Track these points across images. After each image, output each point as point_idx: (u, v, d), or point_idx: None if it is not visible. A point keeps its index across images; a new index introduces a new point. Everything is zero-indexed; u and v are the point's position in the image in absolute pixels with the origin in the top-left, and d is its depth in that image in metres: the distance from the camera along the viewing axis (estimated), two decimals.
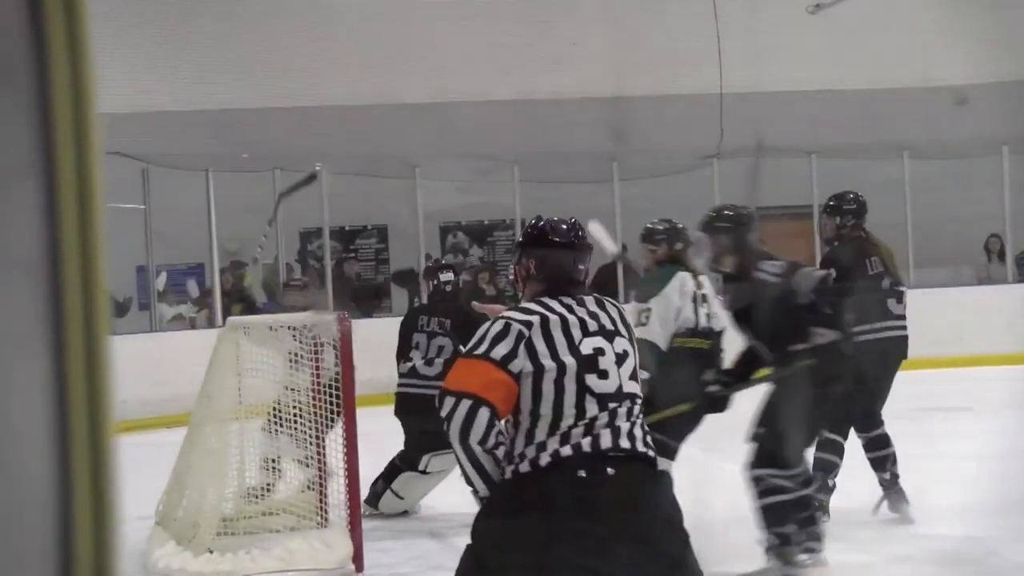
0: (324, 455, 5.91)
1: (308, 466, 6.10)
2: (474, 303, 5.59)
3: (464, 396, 3.10)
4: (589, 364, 3.17)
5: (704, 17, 16.20)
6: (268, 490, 6.25)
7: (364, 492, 6.23)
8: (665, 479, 3.31)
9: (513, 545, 3.03)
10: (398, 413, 7.16)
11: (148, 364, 10.73)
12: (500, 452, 3.11)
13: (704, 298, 5.67)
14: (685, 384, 5.37)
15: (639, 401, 3.25)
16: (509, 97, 16.07)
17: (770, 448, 5.12)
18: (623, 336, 3.29)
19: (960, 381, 11.79)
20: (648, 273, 6.70)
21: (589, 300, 3.34)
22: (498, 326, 3.20)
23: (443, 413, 3.11)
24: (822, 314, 5.20)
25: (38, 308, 0.79)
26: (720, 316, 5.62)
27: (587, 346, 3.20)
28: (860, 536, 5.97)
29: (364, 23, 15.95)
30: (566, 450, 3.08)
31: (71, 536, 0.79)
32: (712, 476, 5.66)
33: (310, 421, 6.01)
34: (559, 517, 3.00)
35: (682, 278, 5.80)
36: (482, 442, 3.07)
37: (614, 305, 3.38)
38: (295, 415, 6.03)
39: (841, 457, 6.18)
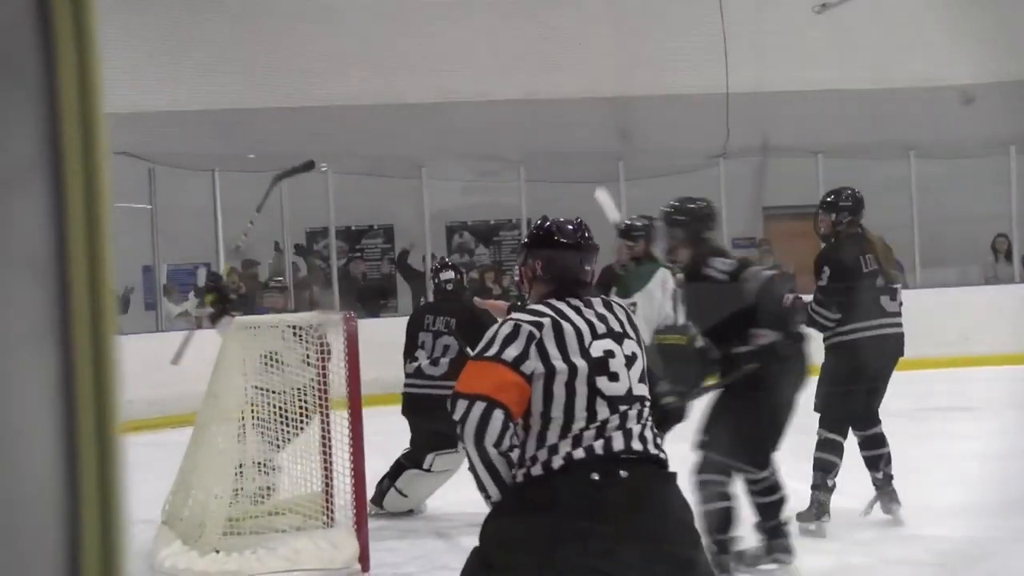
0: (330, 454, 5.92)
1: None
2: (476, 299, 5.60)
3: (477, 398, 3.06)
4: (600, 367, 3.15)
5: (710, 17, 16.20)
6: (264, 493, 6.22)
7: (370, 492, 6.24)
8: (676, 481, 3.30)
9: (522, 546, 3.01)
10: (405, 412, 7.17)
11: (154, 363, 10.74)
12: (514, 455, 3.09)
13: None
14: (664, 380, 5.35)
15: (648, 403, 3.23)
16: (515, 97, 16.08)
17: (714, 455, 5.09)
18: (631, 338, 3.27)
19: (966, 381, 11.77)
20: (626, 269, 6.70)
21: (596, 302, 3.32)
22: (507, 328, 3.18)
23: (456, 416, 3.08)
24: (765, 315, 5.14)
25: (45, 307, 0.79)
26: None
27: (597, 349, 3.18)
28: (860, 537, 5.96)
29: (370, 24, 15.97)
30: (578, 453, 3.06)
31: (78, 535, 0.79)
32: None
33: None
34: (571, 519, 2.98)
35: (663, 274, 5.82)
36: (497, 444, 3.04)
37: (621, 307, 3.36)
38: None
39: (840, 457, 6.14)
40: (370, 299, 15.31)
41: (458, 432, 3.10)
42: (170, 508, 6.18)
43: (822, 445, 6.13)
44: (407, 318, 7.62)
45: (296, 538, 5.82)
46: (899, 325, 6.31)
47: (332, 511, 5.95)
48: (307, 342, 6.00)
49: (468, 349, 6.59)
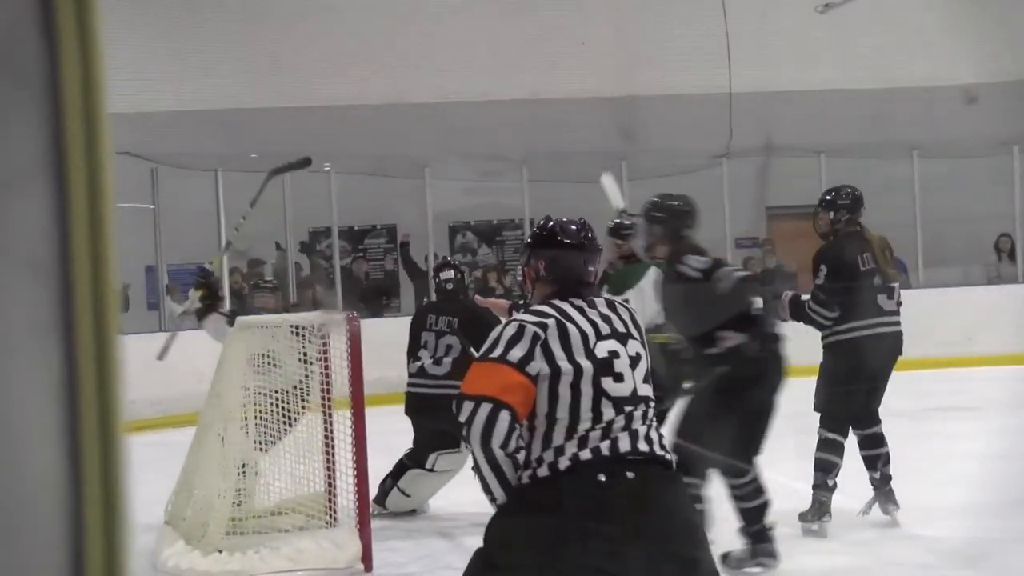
0: (333, 454, 5.92)
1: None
2: (476, 297, 5.60)
3: (483, 400, 3.05)
4: (604, 368, 3.14)
5: (713, 17, 16.19)
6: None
7: (373, 492, 6.24)
8: (682, 482, 3.29)
9: (526, 546, 3.00)
10: (408, 412, 7.17)
11: (157, 363, 10.74)
12: (521, 456, 3.08)
13: None
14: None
15: (652, 404, 3.22)
16: (518, 97, 16.08)
17: (686, 458, 5.06)
18: (635, 338, 3.26)
19: (969, 381, 11.76)
20: (614, 267, 6.70)
21: (600, 302, 3.31)
22: (511, 329, 3.16)
23: (462, 418, 3.06)
24: (733, 316, 5.11)
25: (48, 307, 0.79)
26: None
27: (602, 349, 3.16)
28: (860, 537, 5.95)
29: (373, 24, 15.98)
30: (585, 454, 3.05)
31: (82, 535, 0.79)
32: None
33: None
34: (577, 519, 2.97)
35: (656, 273, 5.83)
36: (504, 445, 3.02)
37: (625, 307, 3.35)
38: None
39: (841, 457, 6.11)
40: (373, 299, 15.31)
41: (464, 434, 3.08)
42: (173, 508, 6.18)
43: (822, 445, 6.11)
44: (409, 318, 7.63)
45: (299, 538, 5.82)
46: (897, 324, 6.27)
47: (335, 511, 5.95)
48: (307, 342, 6.00)
49: (471, 349, 6.62)
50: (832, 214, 6.36)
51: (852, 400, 6.12)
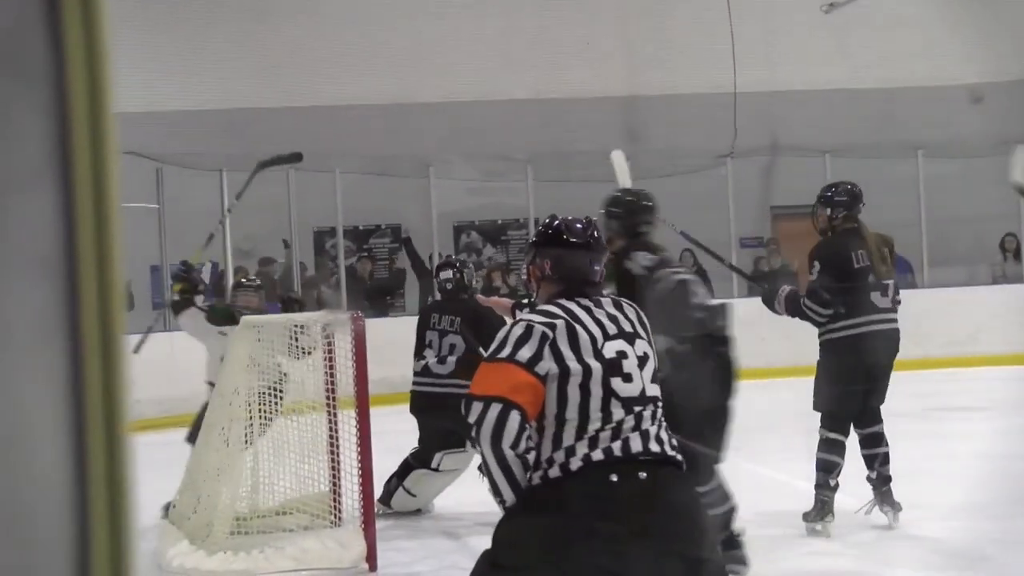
0: (338, 453, 5.92)
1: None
2: (478, 295, 5.59)
3: (493, 400, 3.02)
4: (613, 368, 3.12)
5: (718, 16, 16.17)
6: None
7: (378, 491, 6.24)
8: (692, 483, 3.28)
9: (536, 546, 2.99)
10: (412, 411, 7.18)
11: (162, 363, 10.75)
12: (531, 457, 3.05)
13: None
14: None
15: (660, 404, 3.21)
16: (523, 97, 16.08)
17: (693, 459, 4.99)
18: (642, 338, 3.25)
19: (974, 381, 11.75)
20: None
21: (606, 301, 3.29)
22: (519, 329, 3.14)
23: (472, 419, 3.03)
24: (665, 318, 5.00)
25: (54, 306, 0.79)
26: None
27: (610, 349, 3.15)
28: (861, 537, 5.93)
29: (378, 23, 15.98)
30: (597, 454, 3.03)
31: (88, 535, 0.79)
32: (735, 476, 5.61)
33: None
34: (588, 520, 2.95)
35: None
36: (514, 446, 2.99)
37: (631, 306, 3.33)
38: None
39: (843, 456, 6.08)
40: (377, 298, 15.32)
41: (474, 435, 3.06)
42: (178, 507, 6.18)
43: (823, 445, 6.08)
44: (414, 317, 7.64)
45: (304, 537, 5.83)
46: (893, 321, 6.21)
47: (340, 510, 5.95)
48: (305, 342, 6.01)
49: (476, 347, 6.63)
50: (829, 211, 6.34)
51: (851, 398, 6.09)
